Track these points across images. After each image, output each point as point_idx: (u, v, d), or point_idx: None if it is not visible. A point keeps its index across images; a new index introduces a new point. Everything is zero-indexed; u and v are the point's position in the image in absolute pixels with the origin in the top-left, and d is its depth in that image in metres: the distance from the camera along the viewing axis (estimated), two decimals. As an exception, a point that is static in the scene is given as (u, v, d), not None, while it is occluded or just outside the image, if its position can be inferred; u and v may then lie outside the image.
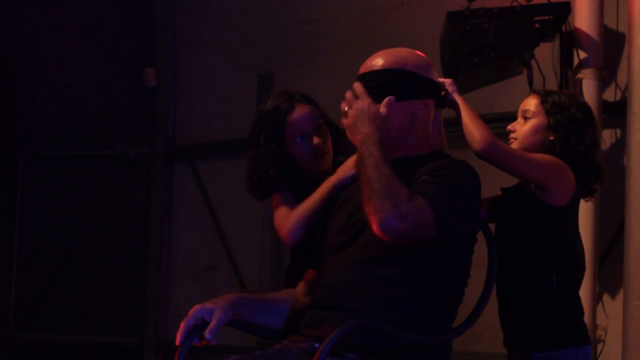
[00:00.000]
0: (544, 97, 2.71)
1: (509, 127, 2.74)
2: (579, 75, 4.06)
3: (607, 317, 4.09)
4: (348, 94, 2.40)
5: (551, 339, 2.57)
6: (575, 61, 4.09)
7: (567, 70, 4.13)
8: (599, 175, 2.70)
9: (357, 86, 2.38)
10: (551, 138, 2.65)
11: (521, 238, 2.63)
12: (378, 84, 2.39)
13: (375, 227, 2.18)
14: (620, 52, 4.28)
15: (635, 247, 3.72)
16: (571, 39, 4.10)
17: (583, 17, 4.08)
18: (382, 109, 2.34)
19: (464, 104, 2.56)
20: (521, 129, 2.70)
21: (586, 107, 2.74)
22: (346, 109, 2.38)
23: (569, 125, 2.65)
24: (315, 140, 2.72)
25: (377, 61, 2.43)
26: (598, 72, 4.06)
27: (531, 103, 2.72)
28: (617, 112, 4.15)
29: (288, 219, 2.69)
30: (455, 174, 2.32)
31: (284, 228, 2.70)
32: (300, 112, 2.74)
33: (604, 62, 4.11)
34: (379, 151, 2.25)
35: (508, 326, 2.66)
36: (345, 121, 2.39)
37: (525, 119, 2.71)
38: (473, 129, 2.51)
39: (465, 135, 2.52)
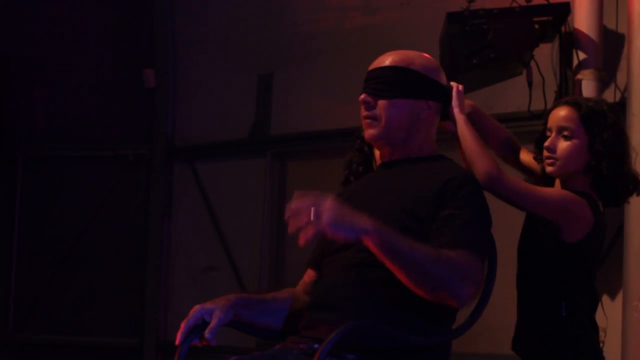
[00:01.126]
0: (583, 112, 2.57)
1: (548, 144, 2.60)
2: (579, 76, 4.07)
3: (607, 318, 4.09)
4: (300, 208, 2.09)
5: None
6: (575, 62, 4.09)
7: (567, 71, 4.13)
8: (635, 185, 2.61)
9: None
10: (596, 161, 2.55)
11: (529, 265, 2.63)
12: (383, 80, 2.42)
13: (453, 304, 2.21)
14: (620, 53, 4.28)
15: (634, 248, 3.72)
16: (570, 40, 4.10)
17: (582, 18, 4.08)
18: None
19: (466, 123, 2.49)
20: (562, 149, 2.58)
21: (619, 117, 2.63)
22: (312, 215, 2.06)
23: (615, 146, 2.55)
24: None
25: (385, 59, 2.47)
26: (597, 72, 4.07)
27: (569, 118, 2.58)
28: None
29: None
30: (478, 200, 2.35)
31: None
32: None
33: (604, 62, 4.11)
34: (403, 235, 2.17)
35: (525, 346, 2.66)
36: (325, 224, 2.07)
37: (565, 137, 2.58)
38: (475, 157, 2.44)
39: (467, 158, 2.47)
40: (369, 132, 2.45)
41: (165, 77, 6.35)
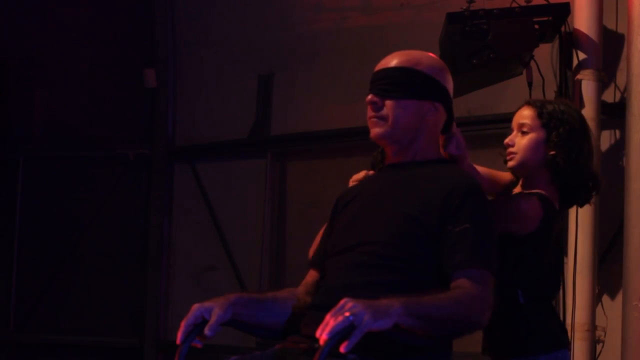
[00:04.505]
0: (540, 109, 2.69)
1: (506, 141, 2.72)
2: (578, 77, 4.07)
3: (607, 318, 4.10)
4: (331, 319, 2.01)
5: (523, 347, 2.62)
6: (575, 62, 4.10)
7: (567, 72, 4.14)
8: (595, 184, 2.71)
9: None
10: (552, 153, 2.65)
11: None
12: (390, 81, 2.43)
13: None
14: (620, 53, 4.29)
15: (634, 247, 3.72)
16: (570, 40, 4.10)
17: (582, 18, 4.08)
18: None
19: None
20: (520, 144, 2.69)
21: (581, 117, 2.75)
22: (347, 314, 1.99)
23: (570, 140, 2.65)
24: None
25: (392, 59, 2.47)
26: (597, 73, 4.07)
27: (527, 115, 2.70)
28: (616, 113, 4.16)
29: None
30: (487, 212, 2.35)
31: None
32: None
33: (603, 63, 4.11)
34: (422, 295, 2.14)
35: (487, 335, 2.70)
36: (369, 322, 2.00)
37: (523, 132, 2.70)
38: None
39: None
40: (375, 131, 2.45)
41: (165, 77, 6.36)
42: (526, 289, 2.63)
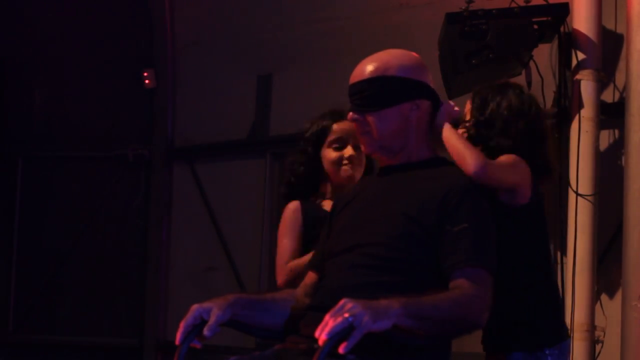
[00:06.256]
0: (475, 92, 2.72)
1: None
2: (578, 77, 4.07)
3: (606, 318, 4.10)
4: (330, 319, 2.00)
5: (534, 338, 2.57)
6: (574, 62, 4.10)
7: (566, 72, 4.14)
8: (546, 169, 2.65)
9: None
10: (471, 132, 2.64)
11: (501, 240, 2.62)
12: (365, 95, 2.42)
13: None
14: (619, 53, 4.29)
15: (633, 247, 3.72)
16: (569, 40, 4.11)
17: (581, 18, 4.09)
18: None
19: (450, 128, 2.50)
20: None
21: (531, 100, 2.68)
22: (347, 315, 1.98)
23: (488, 118, 2.63)
24: (349, 151, 2.99)
25: (362, 70, 2.45)
26: (596, 73, 4.07)
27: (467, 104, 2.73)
28: (615, 113, 4.16)
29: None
30: (485, 211, 2.35)
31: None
32: (346, 123, 2.86)
33: (603, 63, 4.12)
34: (421, 296, 2.15)
35: (489, 327, 2.66)
36: (368, 323, 1.99)
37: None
38: (465, 151, 2.44)
39: (455, 158, 2.46)
40: (366, 148, 2.48)
41: (164, 78, 6.36)
42: (542, 267, 2.60)
